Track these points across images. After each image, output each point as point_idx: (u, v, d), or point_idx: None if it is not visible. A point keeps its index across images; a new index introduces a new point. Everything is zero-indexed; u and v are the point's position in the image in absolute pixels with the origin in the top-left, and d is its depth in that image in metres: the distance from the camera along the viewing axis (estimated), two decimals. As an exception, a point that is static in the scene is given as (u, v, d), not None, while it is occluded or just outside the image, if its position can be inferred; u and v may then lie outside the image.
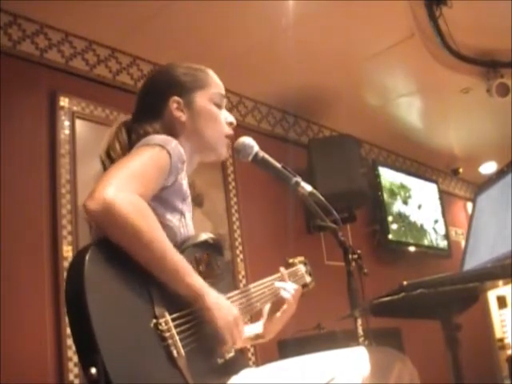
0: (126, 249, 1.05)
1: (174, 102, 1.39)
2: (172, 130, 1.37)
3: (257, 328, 1.53)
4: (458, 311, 1.41)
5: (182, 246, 1.22)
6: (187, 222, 1.31)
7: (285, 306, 1.48)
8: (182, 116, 1.39)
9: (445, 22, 3.26)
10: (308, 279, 1.67)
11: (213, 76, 1.46)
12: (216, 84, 1.46)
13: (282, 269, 1.55)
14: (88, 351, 0.93)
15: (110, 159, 1.30)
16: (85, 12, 2.81)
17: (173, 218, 1.25)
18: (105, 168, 1.31)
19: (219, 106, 1.44)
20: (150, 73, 1.52)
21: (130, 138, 1.35)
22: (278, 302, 1.49)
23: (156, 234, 1.07)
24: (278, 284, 1.49)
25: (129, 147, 1.30)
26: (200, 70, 1.45)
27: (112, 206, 1.02)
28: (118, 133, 1.36)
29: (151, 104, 1.41)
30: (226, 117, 1.45)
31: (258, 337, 1.52)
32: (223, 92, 1.47)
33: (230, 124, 1.46)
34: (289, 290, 1.49)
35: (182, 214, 1.28)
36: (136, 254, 1.05)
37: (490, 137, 5.02)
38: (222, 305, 1.15)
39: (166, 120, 1.38)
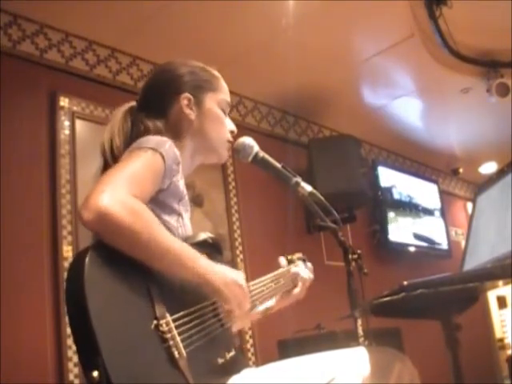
0: (126, 252, 1.04)
1: (186, 99, 1.38)
2: (177, 128, 1.37)
3: (268, 303, 1.58)
4: (458, 311, 1.41)
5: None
6: (185, 223, 1.30)
7: (297, 289, 1.58)
8: (192, 114, 1.38)
9: (445, 21, 3.26)
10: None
11: (223, 83, 1.47)
12: (225, 91, 1.47)
13: (281, 258, 1.62)
14: (90, 354, 0.92)
15: (111, 151, 1.29)
16: (85, 12, 2.81)
17: (170, 220, 1.25)
18: (105, 160, 1.30)
19: (224, 113, 1.45)
20: (163, 64, 1.50)
21: (133, 130, 1.34)
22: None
23: (154, 233, 1.06)
24: (294, 269, 1.59)
25: (130, 140, 1.29)
26: (213, 74, 1.46)
27: (107, 214, 1.00)
28: (123, 123, 1.35)
29: (159, 97, 1.40)
30: (228, 124, 1.46)
31: (267, 310, 1.57)
32: (229, 100, 1.48)
33: (232, 132, 1.47)
34: (304, 271, 1.61)
35: (179, 214, 1.28)
36: (137, 256, 1.05)
37: (489, 137, 5.02)
38: (228, 280, 1.18)
39: (172, 117, 1.38)
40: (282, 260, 1.63)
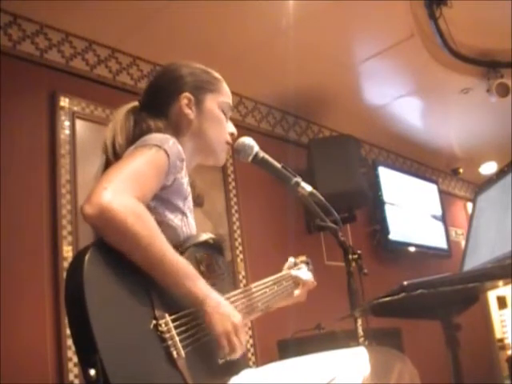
0: (124, 252, 1.04)
1: (185, 98, 1.38)
2: (177, 127, 1.37)
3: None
4: (458, 311, 1.41)
5: (182, 246, 1.21)
6: (189, 221, 1.30)
7: (297, 292, 1.59)
8: (191, 114, 1.38)
9: (445, 21, 3.26)
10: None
11: (225, 86, 1.47)
12: (227, 94, 1.47)
13: (291, 258, 1.66)
14: (87, 352, 0.92)
15: (113, 149, 1.29)
16: (85, 12, 2.81)
17: (175, 218, 1.24)
18: (107, 157, 1.30)
19: (225, 115, 1.45)
20: (166, 65, 1.51)
21: (135, 128, 1.34)
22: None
23: (154, 238, 1.06)
24: (294, 272, 1.59)
25: (132, 138, 1.30)
26: (214, 76, 1.46)
27: (109, 210, 1.01)
28: (126, 121, 1.35)
29: (160, 97, 1.40)
30: (228, 126, 1.46)
31: (266, 308, 1.55)
32: (231, 103, 1.48)
33: (232, 134, 1.47)
34: (306, 274, 1.63)
35: (183, 213, 1.28)
36: (135, 258, 1.05)
37: (490, 137, 5.02)
38: (222, 311, 1.12)
39: (173, 116, 1.38)
40: (291, 260, 1.66)
